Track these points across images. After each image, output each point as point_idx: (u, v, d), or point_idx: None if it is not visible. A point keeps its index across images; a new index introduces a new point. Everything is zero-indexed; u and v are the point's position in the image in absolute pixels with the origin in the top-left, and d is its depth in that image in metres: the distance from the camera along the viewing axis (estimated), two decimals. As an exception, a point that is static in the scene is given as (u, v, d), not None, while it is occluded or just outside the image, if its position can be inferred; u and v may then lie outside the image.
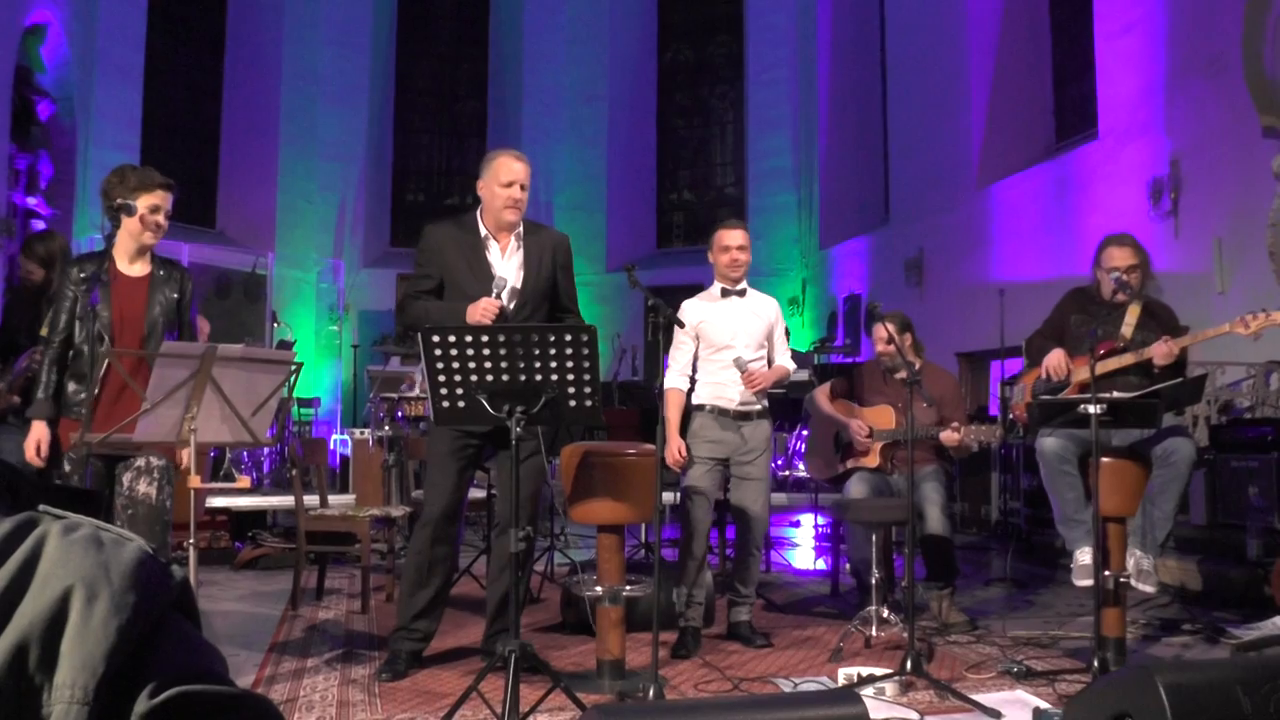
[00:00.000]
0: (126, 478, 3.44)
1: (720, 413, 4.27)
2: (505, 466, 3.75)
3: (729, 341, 4.26)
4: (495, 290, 3.61)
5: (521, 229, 3.80)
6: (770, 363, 4.39)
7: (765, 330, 4.36)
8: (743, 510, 4.31)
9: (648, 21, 15.05)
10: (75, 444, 3.29)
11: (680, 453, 4.20)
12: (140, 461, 3.43)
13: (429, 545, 3.71)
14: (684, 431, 4.27)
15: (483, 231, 3.76)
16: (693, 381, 4.34)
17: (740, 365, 4.16)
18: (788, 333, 4.58)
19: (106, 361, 3.30)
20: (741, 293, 4.37)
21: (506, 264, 3.75)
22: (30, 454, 3.33)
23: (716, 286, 4.39)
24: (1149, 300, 4.20)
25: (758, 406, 4.29)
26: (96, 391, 3.34)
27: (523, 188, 3.73)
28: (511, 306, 3.70)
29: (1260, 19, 6.39)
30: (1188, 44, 7.21)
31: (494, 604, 3.82)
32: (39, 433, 3.36)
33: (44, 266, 4.36)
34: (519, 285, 3.74)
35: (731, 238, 4.34)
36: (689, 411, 4.31)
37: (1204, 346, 4.83)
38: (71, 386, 3.42)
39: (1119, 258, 4.17)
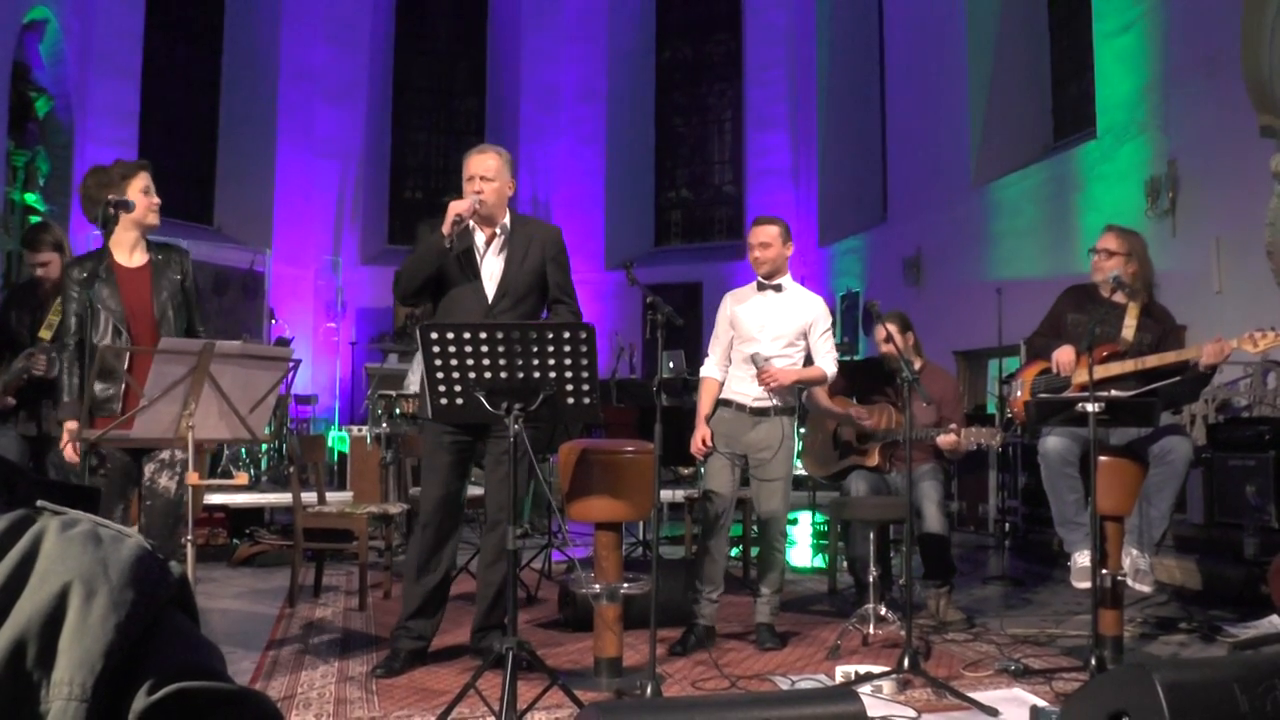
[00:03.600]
0: (149, 469, 3.47)
1: (737, 408, 4.26)
2: (495, 464, 3.78)
3: (755, 335, 4.25)
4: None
5: (508, 221, 3.84)
6: (809, 364, 4.33)
7: (798, 329, 4.28)
8: (759, 509, 4.30)
9: (646, 19, 15.03)
10: (73, 436, 3.30)
11: (705, 442, 4.21)
12: (165, 454, 3.46)
13: (427, 544, 3.76)
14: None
15: (470, 224, 3.79)
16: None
17: (758, 361, 4.14)
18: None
19: (128, 356, 3.35)
20: (778, 288, 4.34)
21: (490, 254, 3.80)
22: (69, 454, 3.36)
23: (756, 280, 4.40)
24: (1148, 301, 4.20)
25: (775, 403, 4.23)
26: (112, 387, 3.42)
27: (483, 179, 3.74)
28: (491, 298, 3.75)
29: (1258, 18, 6.38)
30: (1186, 43, 7.20)
31: (487, 599, 3.83)
32: (75, 432, 3.37)
33: (57, 251, 4.35)
34: (499, 276, 3.78)
35: (753, 234, 4.38)
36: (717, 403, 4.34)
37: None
38: (99, 385, 3.44)
39: (1100, 240, 4.28)
